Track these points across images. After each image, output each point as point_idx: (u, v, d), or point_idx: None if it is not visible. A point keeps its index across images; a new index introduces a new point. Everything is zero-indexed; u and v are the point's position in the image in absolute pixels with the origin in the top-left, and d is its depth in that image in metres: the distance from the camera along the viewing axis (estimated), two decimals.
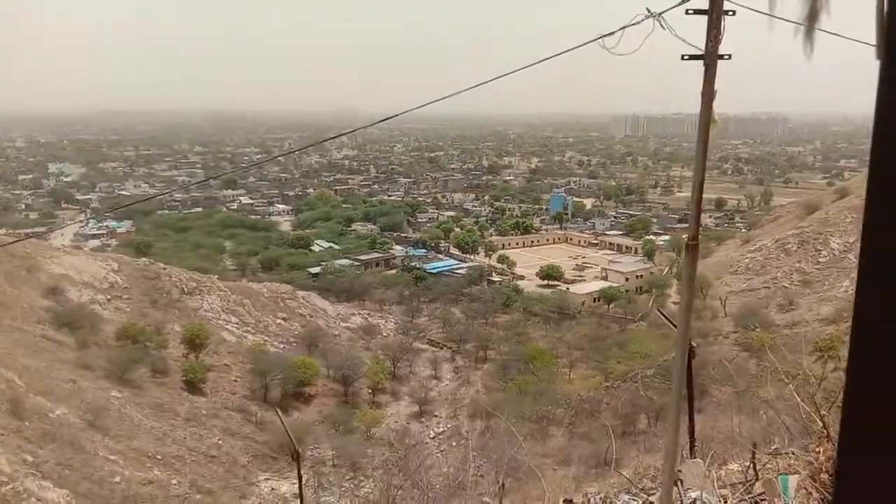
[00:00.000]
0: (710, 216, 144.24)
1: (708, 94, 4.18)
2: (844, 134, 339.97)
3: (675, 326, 7.16)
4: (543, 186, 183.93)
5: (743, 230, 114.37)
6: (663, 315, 9.44)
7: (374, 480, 36.76)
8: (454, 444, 46.37)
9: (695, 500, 7.03)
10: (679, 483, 7.58)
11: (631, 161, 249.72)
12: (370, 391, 58.31)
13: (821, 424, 6.50)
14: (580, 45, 3.99)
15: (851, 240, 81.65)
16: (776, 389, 8.82)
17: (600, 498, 8.47)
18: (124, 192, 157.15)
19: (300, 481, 11.83)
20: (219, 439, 44.05)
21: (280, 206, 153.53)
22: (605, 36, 3.82)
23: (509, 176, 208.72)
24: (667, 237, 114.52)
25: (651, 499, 7.91)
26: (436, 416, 55.75)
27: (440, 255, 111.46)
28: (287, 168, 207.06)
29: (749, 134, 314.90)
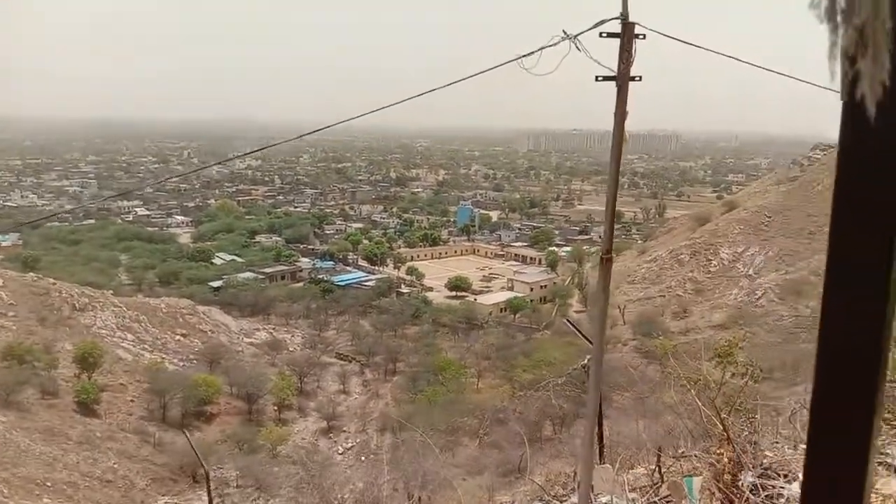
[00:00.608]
0: None
1: (620, 113, 4.37)
2: (731, 150, 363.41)
3: (584, 337, 7.39)
4: (451, 199, 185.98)
5: (639, 241, 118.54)
6: (572, 325, 9.70)
7: (280, 500, 35.80)
8: (363, 458, 45.86)
9: None
10: (590, 488, 7.78)
11: (534, 175, 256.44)
12: (276, 408, 56.82)
13: (721, 427, 6.83)
14: (500, 65, 4.08)
15: (739, 250, 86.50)
16: (679, 395, 9.24)
17: None
18: (10, 204, 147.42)
19: (210, 500, 11.34)
20: (115, 463, 41.75)
21: (179, 217, 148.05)
22: (523, 56, 3.92)
23: (417, 188, 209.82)
24: (568, 248, 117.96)
25: None
26: (345, 431, 54.95)
27: (348, 268, 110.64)
28: (186, 178, 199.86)
29: (645, 150, 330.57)
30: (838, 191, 1.24)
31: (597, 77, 4.47)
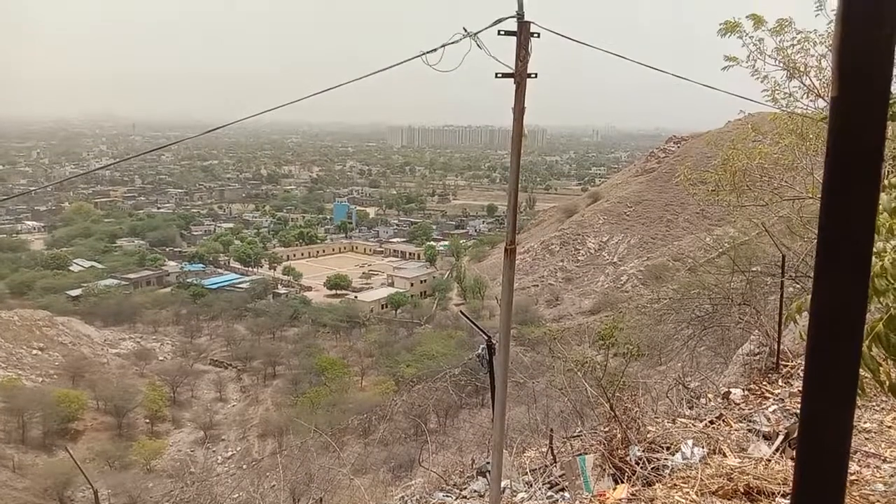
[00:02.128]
0: (483, 221, 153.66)
1: (519, 109, 4.51)
2: (594, 144, 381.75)
3: (479, 329, 7.57)
4: (326, 195, 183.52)
5: None
6: (467, 317, 9.87)
7: None
8: (245, 466, 44.46)
9: (504, 488, 7.44)
10: (486, 475, 7.98)
11: (409, 171, 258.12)
12: (148, 421, 54.16)
13: (608, 406, 7.23)
14: (404, 62, 4.11)
15: (605, 239, 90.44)
16: (566, 378, 9.64)
17: (416, 499, 8.66)
18: None
19: None
20: None
21: (30, 222, 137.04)
22: (427, 53, 3.97)
23: (290, 185, 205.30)
24: (446, 242, 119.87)
25: (464, 493, 8.25)
26: (224, 439, 53.10)
27: (220, 270, 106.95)
28: (36, 180, 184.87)
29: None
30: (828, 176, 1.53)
31: (496, 74, 4.54)
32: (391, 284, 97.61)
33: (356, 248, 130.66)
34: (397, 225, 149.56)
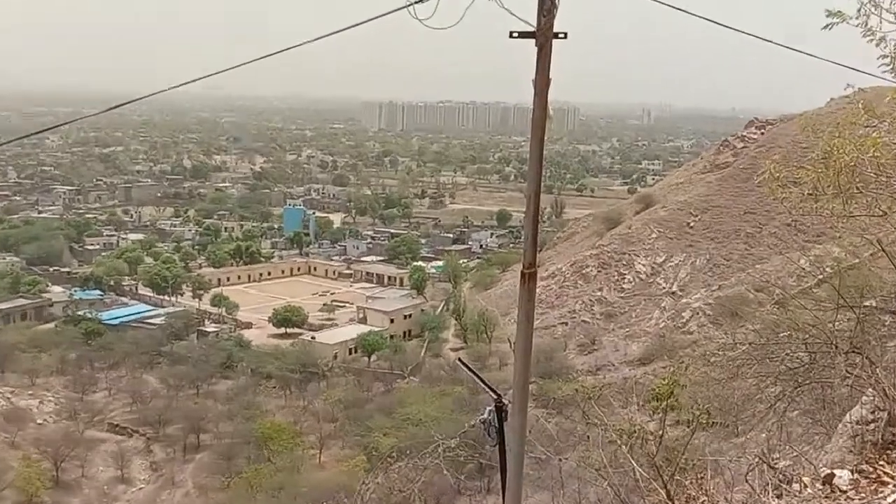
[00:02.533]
0: (492, 233, 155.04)
1: (542, 80, 4.61)
2: (644, 129, 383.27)
3: (484, 384, 7.54)
4: (273, 197, 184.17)
5: None
6: (467, 367, 9.86)
7: None
8: None
9: None
10: None
11: (389, 163, 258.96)
12: None
13: (664, 493, 7.18)
14: (386, 14, 4.11)
15: (659, 259, 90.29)
16: (605, 454, 9.53)
17: None
18: None
19: None
20: None
21: None
22: (416, 2, 3.99)
23: (224, 182, 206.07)
24: (440, 264, 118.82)
25: None
26: None
27: (124, 299, 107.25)
28: None
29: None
30: None
31: (511, 34, 4.60)
32: (363, 320, 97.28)
33: (315, 269, 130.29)
34: (372, 238, 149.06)
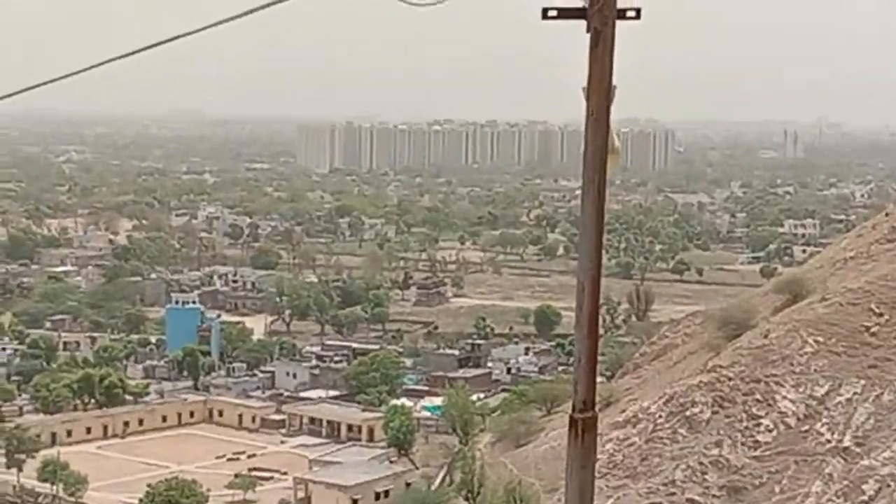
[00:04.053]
0: (529, 348, 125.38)
1: (598, 89, 4.23)
2: (789, 166, 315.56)
3: None
4: (149, 289, 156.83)
5: (608, 376, 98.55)
6: None
7: None
8: None
9: None
10: None
11: (349, 227, 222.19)
12: None
13: None
14: None
15: (822, 391, 72.00)
16: None
17: None
18: None
19: None
20: None
21: None
22: None
23: (64, 264, 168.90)
24: (438, 401, 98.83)
25: None
26: None
27: None
28: None
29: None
30: None
31: (546, 11, 4.31)
32: (306, 501, 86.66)
33: (221, 413, 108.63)
34: (319, 359, 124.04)
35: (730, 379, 72.54)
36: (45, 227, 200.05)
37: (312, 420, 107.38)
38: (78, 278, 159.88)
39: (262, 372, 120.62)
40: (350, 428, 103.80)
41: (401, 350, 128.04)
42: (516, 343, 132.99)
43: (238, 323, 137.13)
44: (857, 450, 65.16)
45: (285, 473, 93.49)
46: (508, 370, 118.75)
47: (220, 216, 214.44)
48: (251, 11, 4.95)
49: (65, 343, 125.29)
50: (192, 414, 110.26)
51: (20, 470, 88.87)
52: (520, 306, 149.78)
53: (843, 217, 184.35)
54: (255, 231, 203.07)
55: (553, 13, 4.31)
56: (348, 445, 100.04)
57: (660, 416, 73.43)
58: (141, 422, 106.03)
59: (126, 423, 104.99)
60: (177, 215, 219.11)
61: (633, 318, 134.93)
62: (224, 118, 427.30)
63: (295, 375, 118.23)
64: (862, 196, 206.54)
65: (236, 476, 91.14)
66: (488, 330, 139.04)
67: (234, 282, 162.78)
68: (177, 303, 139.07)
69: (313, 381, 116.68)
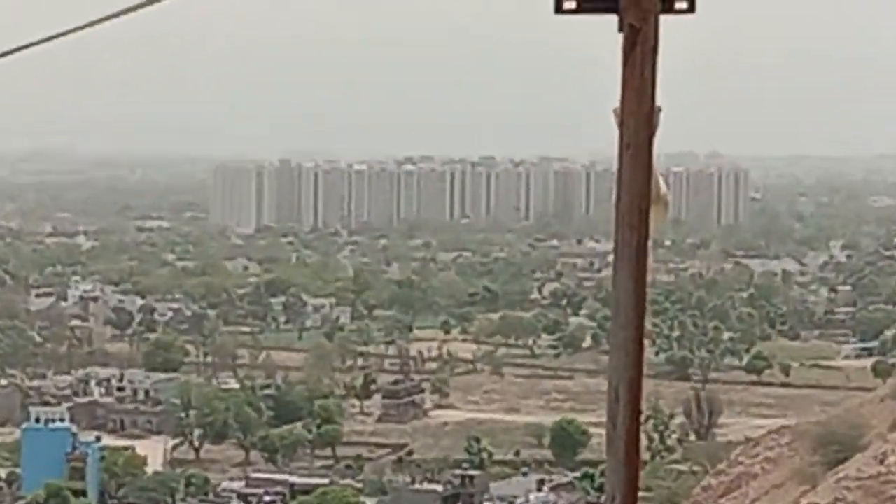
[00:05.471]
0: (544, 480, 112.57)
1: (636, 112, 3.36)
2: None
3: None
4: (2, 401, 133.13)
5: None
6: None
7: None
8: None
9: None
10: None
11: (284, 310, 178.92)
12: None
13: None
14: None
15: None
16: None
17: None
18: None
19: None
20: None
21: None
22: None
23: None
24: None
25: None
26: None
27: None
28: None
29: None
30: None
31: (560, 2, 3.46)
32: None
33: None
34: (244, 493, 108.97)
35: None
36: None
37: None
38: None
39: None
40: None
41: (360, 486, 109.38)
42: (525, 475, 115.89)
43: (126, 449, 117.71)
44: None
45: None
46: None
47: (100, 296, 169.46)
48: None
49: None
50: None
51: None
52: (530, 421, 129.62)
53: None
54: (149, 317, 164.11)
55: (570, 4, 3.36)
56: None
57: None
58: None
59: None
60: (37, 296, 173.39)
61: (693, 437, 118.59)
62: (104, 157, 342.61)
63: None
64: None
65: None
66: (485, 456, 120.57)
67: (120, 389, 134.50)
68: (37, 420, 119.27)
69: None
